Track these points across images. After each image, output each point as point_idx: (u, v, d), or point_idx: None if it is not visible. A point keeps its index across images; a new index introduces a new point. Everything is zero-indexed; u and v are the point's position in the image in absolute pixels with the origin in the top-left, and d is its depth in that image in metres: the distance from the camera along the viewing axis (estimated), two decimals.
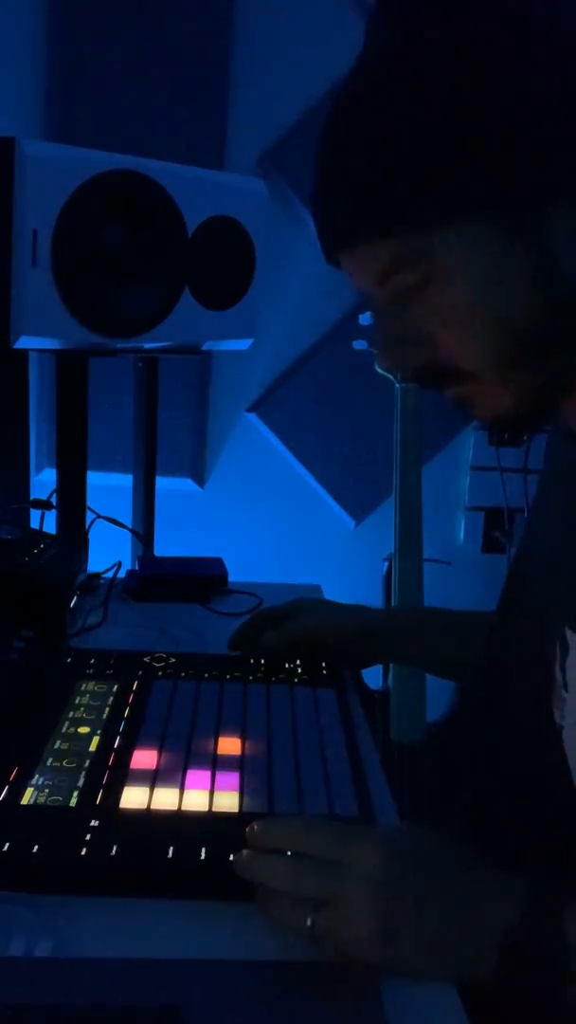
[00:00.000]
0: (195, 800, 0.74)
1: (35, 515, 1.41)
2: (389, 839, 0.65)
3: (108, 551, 1.35)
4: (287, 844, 0.65)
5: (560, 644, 0.71)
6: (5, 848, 0.66)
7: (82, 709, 0.89)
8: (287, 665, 1.02)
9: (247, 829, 0.67)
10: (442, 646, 1.07)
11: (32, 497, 1.45)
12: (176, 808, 0.73)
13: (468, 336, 0.66)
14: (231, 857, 0.66)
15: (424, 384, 0.72)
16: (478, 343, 0.66)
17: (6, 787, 0.74)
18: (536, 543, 0.85)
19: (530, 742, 0.78)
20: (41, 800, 0.73)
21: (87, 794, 0.74)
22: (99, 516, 1.38)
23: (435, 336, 0.68)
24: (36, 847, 0.66)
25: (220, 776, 0.78)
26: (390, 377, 1.94)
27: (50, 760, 0.79)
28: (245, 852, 0.66)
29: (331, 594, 1.37)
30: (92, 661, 1.00)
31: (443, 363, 0.69)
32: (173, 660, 1.01)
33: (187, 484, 2.30)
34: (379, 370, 1.96)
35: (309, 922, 0.61)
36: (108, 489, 1.56)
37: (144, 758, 0.80)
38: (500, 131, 0.60)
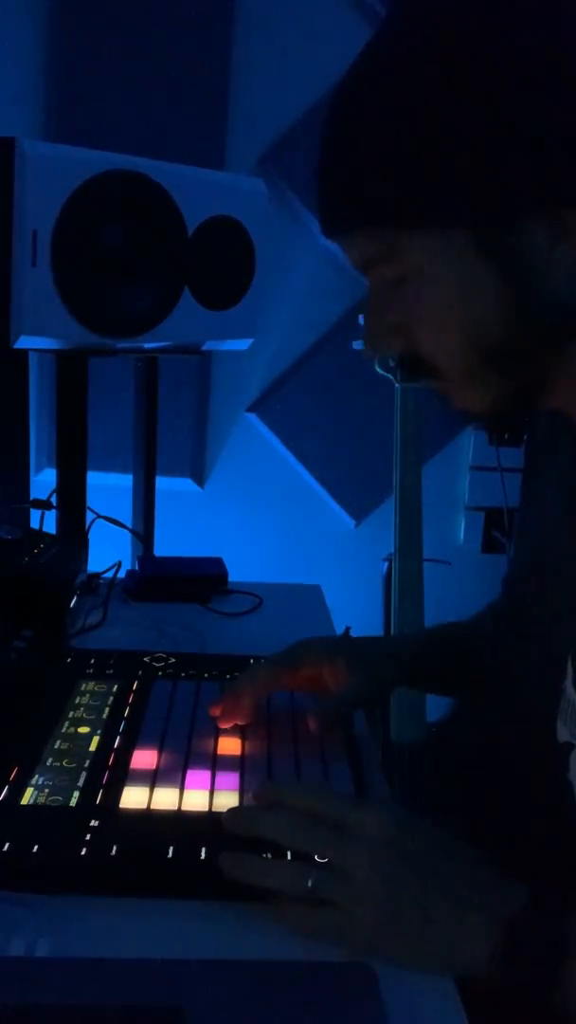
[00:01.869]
0: (195, 800, 0.74)
1: (35, 515, 1.41)
2: (400, 814, 0.65)
3: (108, 551, 1.35)
4: (296, 801, 0.65)
5: (573, 661, 0.71)
6: (5, 848, 0.66)
7: (82, 709, 0.89)
8: None
9: (252, 793, 0.68)
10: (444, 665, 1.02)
11: (32, 497, 1.45)
12: (176, 808, 0.73)
13: (438, 338, 0.68)
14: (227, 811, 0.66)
15: (404, 373, 0.73)
16: (448, 347, 0.68)
17: (6, 787, 0.74)
18: (537, 554, 0.84)
19: (529, 755, 0.78)
20: (41, 800, 0.73)
21: (87, 794, 0.74)
22: (99, 516, 1.38)
23: (410, 329, 0.69)
24: (36, 847, 0.66)
25: (220, 776, 0.78)
26: (390, 377, 1.94)
27: (50, 760, 0.79)
28: (246, 806, 0.66)
29: (331, 594, 1.37)
30: (92, 661, 1.00)
31: (419, 357, 0.70)
32: (173, 660, 1.01)
33: (187, 484, 2.30)
34: (379, 370, 1.96)
35: (309, 883, 0.61)
36: (108, 489, 1.56)
37: (144, 758, 0.80)
38: (470, 146, 0.61)
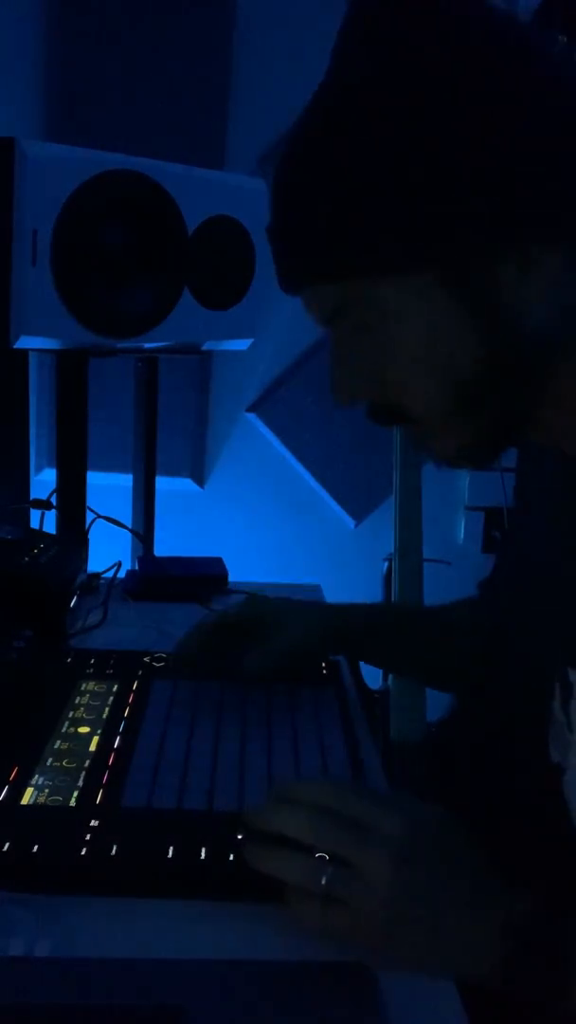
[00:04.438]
0: (195, 800, 0.74)
1: (35, 515, 1.41)
2: (418, 814, 0.64)
3: (108, 551, 1.35)
4: (316, 798, 0.65)
5: (561, 683, 0.71)
6: (5, 848, 0.66)
7: (82, 709, 0.89)
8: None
9: (272, 789, 0.68)
10: (401, 645, 1.03)
11: (32, 497, 1.45)
12: (176, 808, 0.73)
13: (411, 381, 0.67)
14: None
15: (378, 423, 0.72)
16: (420, 388, 0.67)
17: (6, 787, 0.74)
18: (522, 575, 0.84)
19: (522, 775, 0.77)
20: (41, 800, 0.73)
21: (87, 794, 0.74)
22: (99, 516, 1.38)
23: (380, 378, 0.68)
24: (36, 847, 0.66)
25: (220, 776, 0.78)
26: None
27: (50, 760, 0.79)
28: (267, 803, 0.66)
29: (331, 594, 1.37)
30: (92, 661, 1.00)
31: (392, 402, 0.69)
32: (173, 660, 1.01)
33: (187, 484, 2.30)
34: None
35: (324, 880, 0.60)
36: (108, 489, 1.56)
37: (144, 758, 0.80)
38: (438, 189, 0.61)
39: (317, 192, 0.64)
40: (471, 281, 0.63)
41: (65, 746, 0.82)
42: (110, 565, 1.31)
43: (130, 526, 1.54)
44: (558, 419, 0.69)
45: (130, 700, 0.91)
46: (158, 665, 1.00)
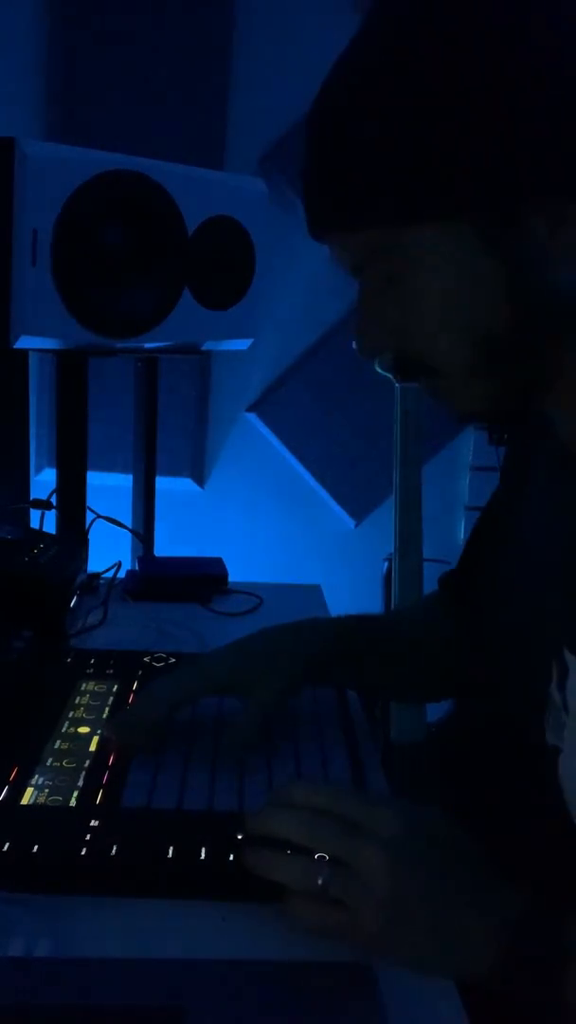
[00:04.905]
0: (195, 800, 0.74)
1: (35, 515, 1.41)
2: (414, 814, 0.64)
3: (108, 551, 1.35)
4: (312, 801, 0.65)
5: (558, 665, 0.71)
6: (5, 848, 0.66)
7: (82, 709, 0.89)
8: None
9: (270, 794, 0.68)
10: (366, 669, 0.95)
11: (32, 497, 1.45)
12: (176, 808, 0.73)
13: (435, 335, 0.67)
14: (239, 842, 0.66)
15: (399, 375, 0.72)
16: (445, 343, 0.67)
17: (6, 787, 0.74)
18: (525, 554, 0.83)
19: (519, 758, 0.77)
20: (41, 800, 0.73)
21: (87, 794, 0.74)
22: (99, 516, 1.38)
23: (407, 328, 0.68)
24: (36, 847, 0.66)
25: (220, 776, 0.78)
26: (390, 376, 1.94)
27: (50, 760, 0.79)
28: (265, 808, 0.66)
29: (331, 594, 1.37)
30: (92, 661, 1.00)
31: (414, 356, 0.69)
32: (173, 660, 1.01)
33: (187, 484, 2.30)
34: (379, 370, 1.96)
35: (320, 881, 0.60)
36: (108, 489, 1.56)
37: (144, 758, 0.80)
38: (474, 139, 0.60)
39: (356, 137, 0.64)
40: (507, 233, 0.62)
41: (65, 746, 0.82)
42: (110, 565, 1.31)
43: (130, 526, 1.54)
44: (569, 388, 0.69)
45: (130, 700, 0.91)
46: (158, 665, 1.00)
